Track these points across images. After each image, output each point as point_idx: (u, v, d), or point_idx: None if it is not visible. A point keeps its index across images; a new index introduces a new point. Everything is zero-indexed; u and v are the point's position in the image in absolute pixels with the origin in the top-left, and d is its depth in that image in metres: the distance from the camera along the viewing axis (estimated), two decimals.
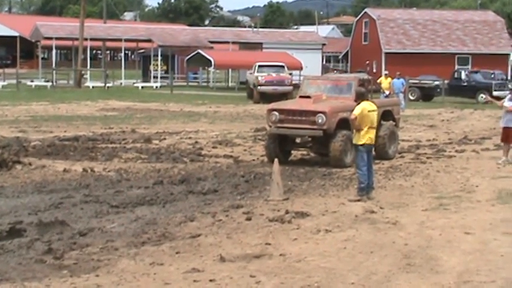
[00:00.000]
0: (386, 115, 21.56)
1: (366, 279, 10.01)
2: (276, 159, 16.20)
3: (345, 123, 19.74)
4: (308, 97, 20.57)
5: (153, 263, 10.53)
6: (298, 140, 21.27)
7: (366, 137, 15.60)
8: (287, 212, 13.86)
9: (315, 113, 19.74)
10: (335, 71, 74.40)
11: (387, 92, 41.88)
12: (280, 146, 20.40)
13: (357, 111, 15.62)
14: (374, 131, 15.92)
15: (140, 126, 29.25)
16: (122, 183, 17.05)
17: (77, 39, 62.45)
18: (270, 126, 20.41)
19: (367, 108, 15.69)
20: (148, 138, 24.72)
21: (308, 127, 19.87)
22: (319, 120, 19.63)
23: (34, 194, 15.49)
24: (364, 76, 22.88)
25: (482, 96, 48.66)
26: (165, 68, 69.36)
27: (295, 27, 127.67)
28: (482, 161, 21.55)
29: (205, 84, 69.52)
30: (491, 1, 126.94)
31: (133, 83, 64.71)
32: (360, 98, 16.06)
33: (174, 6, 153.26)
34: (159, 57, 66.91)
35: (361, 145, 15.64)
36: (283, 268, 10.41)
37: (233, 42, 71.29)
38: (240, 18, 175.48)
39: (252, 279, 9.88)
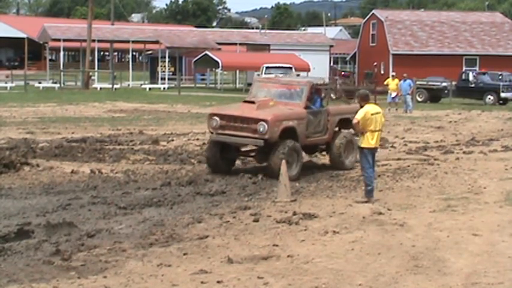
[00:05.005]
0: (344, 123, 20.13)
1: (374, 280, 10.01)
2: (283, 161, 16.15)
3: (291, 132, 18.45)
4: (252, 102, 18.93)
5: (161, 264, 10.54)
6: (243, 148, 19.74)
7: (370, 139, 15.53)
8: (294, 214, 13.87)
9: (256, 120, 18.08)
10: (342, 73, 74.35)
11: (394, 94, 41.90)
12: (222, 154, 18.97)
13: (360, 115, 15.51)
14: (379, 134, 15.76)
15: (148, 128, 29.26)
16: (129, 184, 17.07)
17: (84, 40, 62.56)
18: (211, 132, 18.98)
19: (370, 112, 15.57)
20: (156, 139, 24.72)
21: (249, 135, 18.20)
22: (261, 129, 17.95)
23: (42, 196, 15.53)
24: (320, 81, 21.02)
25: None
26: (172, 69, 69.44)
27: (303, 28, 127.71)
28: (490, 162, 21.50)
29: (212, 85, 69.58)
30: (499, 2, 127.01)
31: (141, 84, 64.86)
32: (363, 100, 15.92)
33: (181, 7, 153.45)
34: (167, 59, 67.01)
35: (366, 148, 15.59)
36: (291, 269, 10.41)
37: (241, 44, 71.43)
38: (247, 19, 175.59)
39: (259, 280, 9.89)
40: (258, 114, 18.28)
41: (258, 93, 19.78)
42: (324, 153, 20.62)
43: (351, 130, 20.23)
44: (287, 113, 18.65)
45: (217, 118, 18.69)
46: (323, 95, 20.28)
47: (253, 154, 19.53)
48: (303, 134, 18.84)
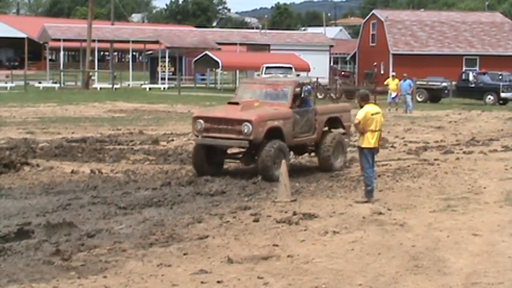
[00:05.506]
0: (333, 122, 20.04)
1: (374, 280, 10.01)
2: (283, 161, 16.13)
3: (276, 132, 18.21)
4: (236, 104, 18.65)
5: (161, 264, 10.54)
6: (230, 151, 19.52)
7: (370, 139, 15.51)
8: (295, 214, 13.86)
9: (240, 121, 17.84)
10: (342, 73, 74.41)
11: (394, 94, 41.90)
12: (209, 157, 18.63)
13: (360, 115, 15.50)
14: (378, 134, 15.72)
15: (148, 128, 29.27)
16: (129, 184, 17.07)
17: (84, 40, 62.56)
18: (197, 136, 18.73)
19: (371, 112, 15.56)
20: (156, 139, 24.72)
21: (234, 137, 17.98)
22: (245, 130, 17.72)
23: (42, 196, 15.53)
24: (305, 80, 20.48)
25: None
26: (172, 69, 69.45)
27: (303, 28, 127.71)
28: (490, 162, 21.49)
29: (212, 85, 69.57)
30: (499, 2, 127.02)
31: (141, 84, 64.84)
32: (363, 100, 15.90)
33: (181, 7, 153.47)
34: (167, 59, 67.00)
35: (366, 148, 15.57)
36: (291, 269, 10.41)
37: (241, 44, 71.44)
38: (247, 19, 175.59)
39: (259, 280, 9.88)
40: (242, 115, 18.03)
41: (244, 94, 19.48)
42: (313, 154, 20.32)
43: (341, 130, 20.26)
44: (272, 113, 18.41)
45: (202, 121, 18.45)
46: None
47: (240, 156, 19.32)
48: (290, 134, 18.59)
